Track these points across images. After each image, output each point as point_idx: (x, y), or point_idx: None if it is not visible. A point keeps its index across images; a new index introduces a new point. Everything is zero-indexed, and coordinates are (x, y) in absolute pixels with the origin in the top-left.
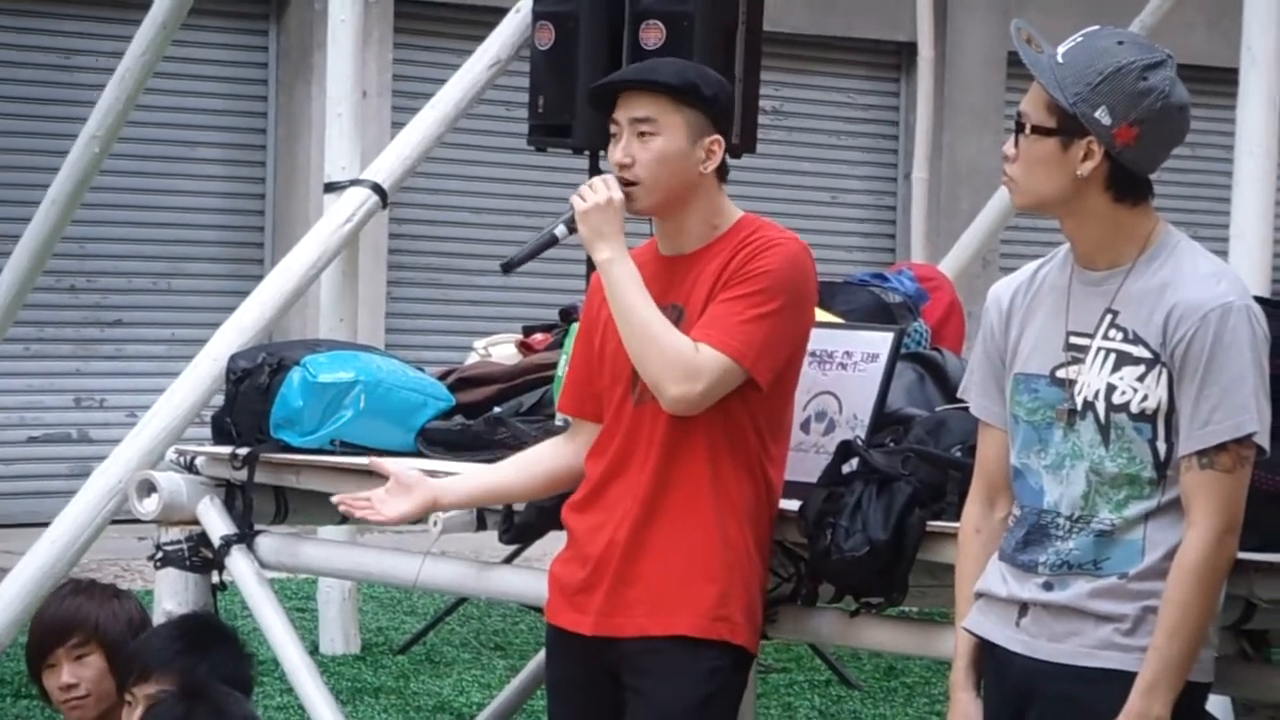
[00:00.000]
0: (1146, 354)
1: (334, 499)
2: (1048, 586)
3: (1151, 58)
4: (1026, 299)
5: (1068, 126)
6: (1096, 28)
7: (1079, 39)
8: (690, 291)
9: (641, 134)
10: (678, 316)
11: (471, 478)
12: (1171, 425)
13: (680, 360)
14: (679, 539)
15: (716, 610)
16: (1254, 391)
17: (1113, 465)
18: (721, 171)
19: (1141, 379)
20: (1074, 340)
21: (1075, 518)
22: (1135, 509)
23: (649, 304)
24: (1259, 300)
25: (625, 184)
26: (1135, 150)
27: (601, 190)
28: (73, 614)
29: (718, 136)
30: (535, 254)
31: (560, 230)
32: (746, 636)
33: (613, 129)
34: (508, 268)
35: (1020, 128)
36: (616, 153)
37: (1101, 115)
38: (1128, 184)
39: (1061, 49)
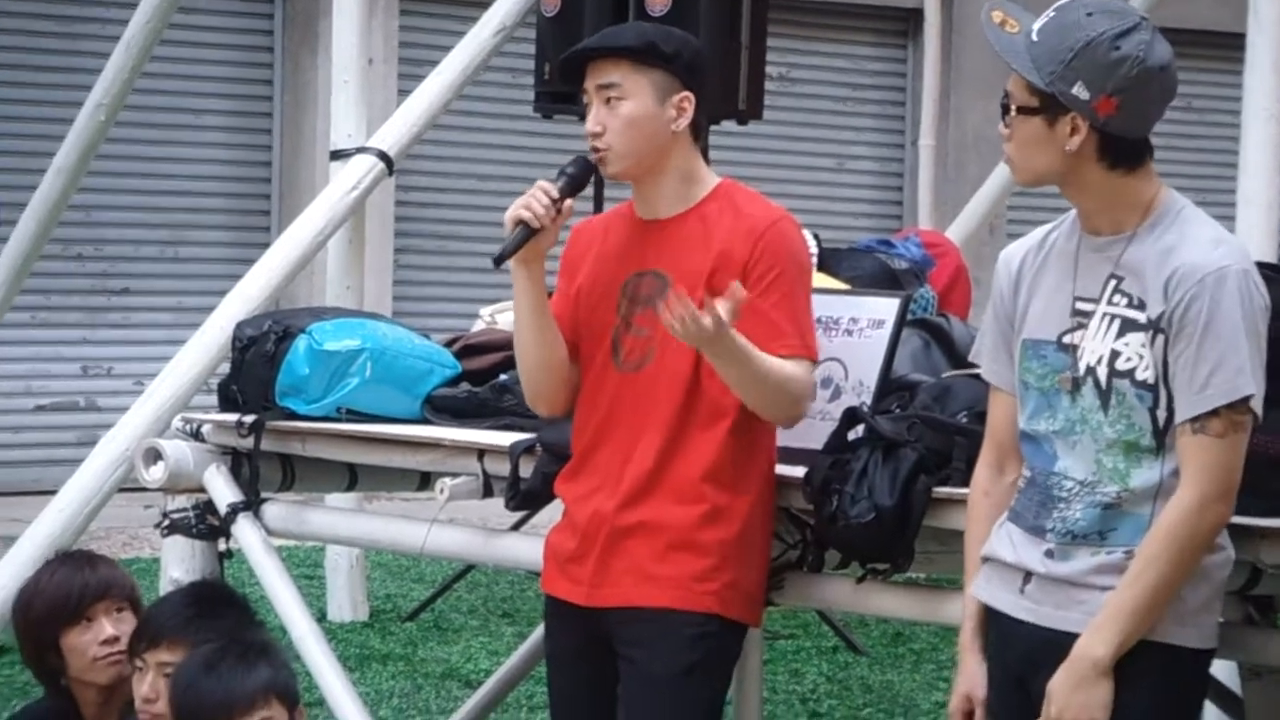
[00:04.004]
0: (1148, 319)
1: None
2: (1050, 555)
3: (1122, 25)
4: (1035, 264)
5: (1049, 104)
6: (1067, 0)
7: (1051, 14)
8: (675, 259)
9: (609, 100)
10: (662, 285)
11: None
12: (1169, 392)
13: (801, 389)
14: (670, 511)
15: (706, 584)
16: (1249, 356)
17: (1111, 432)
18: (695, 130)
19: (1145, 345)
20: (1080, 305)
21: (1085, 483)
22: (1139, 480)
23: (766, 356)
24: (1264, 266)
25: (595, 151)
26: (1120, 119)
27: (704, 318)
28: (109, 574)
29: (687, 94)
30: (519, 245)
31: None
32: (741, 609)
33: (584, 100)
34: (499, 260)
35: (1006, 109)
36: (588, 122)
37: (1079, 91)
38: (1121, 151)
39: (1036, 25)
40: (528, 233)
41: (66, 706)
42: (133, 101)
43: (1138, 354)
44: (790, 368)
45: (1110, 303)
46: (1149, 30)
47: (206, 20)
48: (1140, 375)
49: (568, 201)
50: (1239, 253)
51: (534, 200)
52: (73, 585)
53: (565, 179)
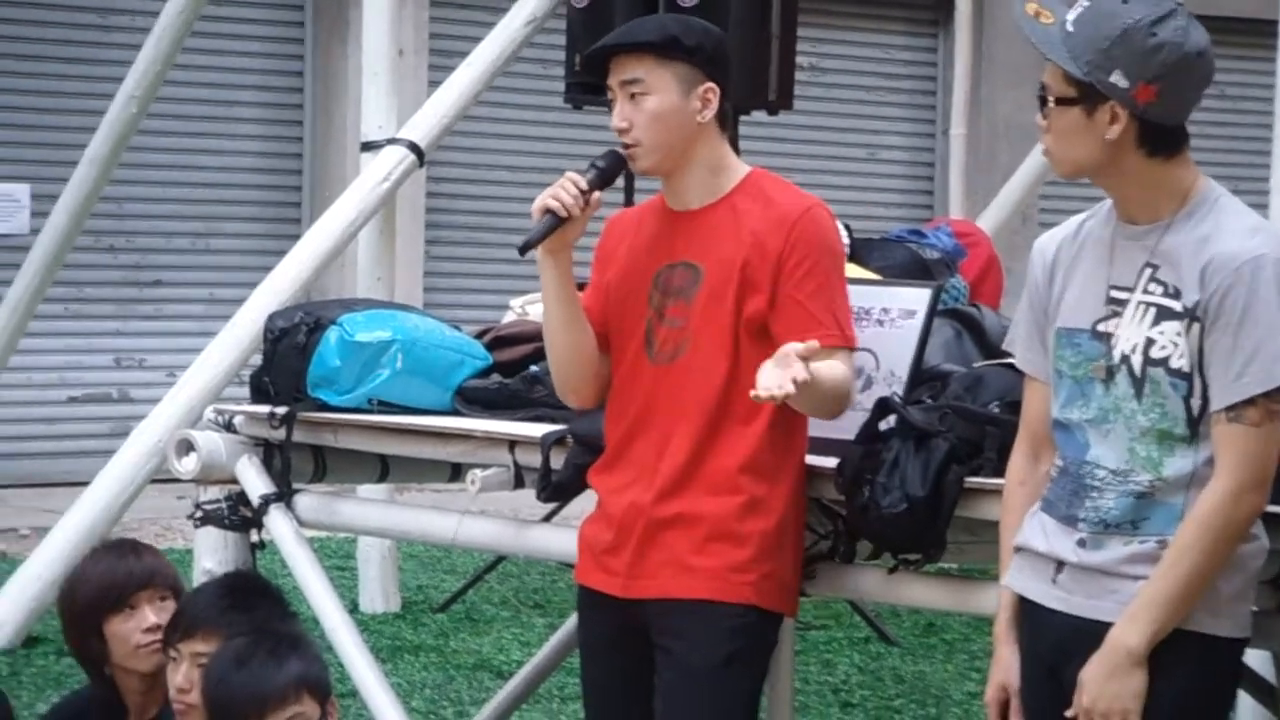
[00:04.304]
0: (1184, 308)
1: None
2: (1082, 544)
3: (1158, 11)
4: (1070, 252)
5: (1088, 94)
6: None
7: (1086, 3)
8: (706, 250)
9: (633, 95)
10: (695, 277)
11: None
12: (1204, 381)
13: (849, 386)
14: (706, 503)
15: (744, 575)
16: None
17: (1145, 420)
18: (722, 120)
19: (1180, 334)
20: (1114, 294)
21: (1117, 472)
22: (1172, 469)
23: (824, 371)
24: None
25: (625, 147)
26: (1160, 105)
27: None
28: (153, 563)
29: (712, 85)
30: (546, 234)
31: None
32: (777, 600)
33: (609, 95)
34: (524, 248)
35: (1044, 101)
36: (614, 119)
37: (1118, 79)
38: (1160, 138)
39: (1071, 15)
40: (555, 222)
41: (109, 695)
42: (164, 93)
43: (1172, 342)
44: (838, 368)
45: (1146, 291)
46: (1185, 16)
47: (237, 11)
48: (1175, 363)
49: (596, 194)
50: (1275, 241)
51: (562, 190)
52: (117, 573)
53: (595, 171)
